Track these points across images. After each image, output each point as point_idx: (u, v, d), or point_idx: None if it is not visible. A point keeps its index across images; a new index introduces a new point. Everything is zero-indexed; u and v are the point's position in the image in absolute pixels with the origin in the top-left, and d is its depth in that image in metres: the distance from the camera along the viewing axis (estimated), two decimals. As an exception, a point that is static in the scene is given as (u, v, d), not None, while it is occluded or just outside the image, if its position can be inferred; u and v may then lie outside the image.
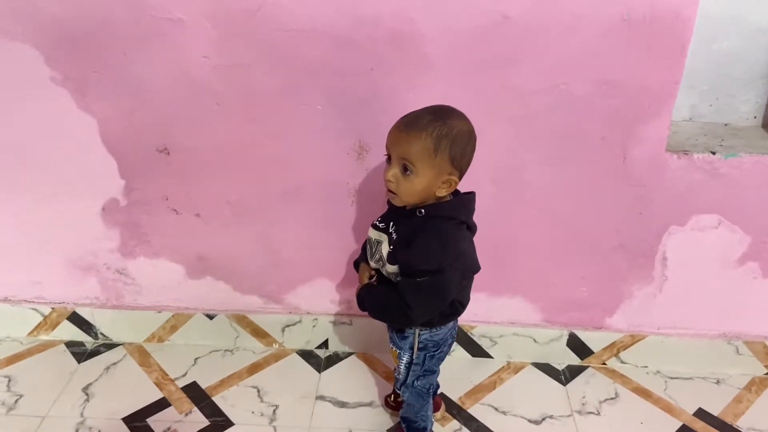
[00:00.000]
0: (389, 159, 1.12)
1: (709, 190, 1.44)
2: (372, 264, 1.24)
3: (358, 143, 1.44)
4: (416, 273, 1.11)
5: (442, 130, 1.06)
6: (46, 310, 1.72)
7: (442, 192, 1.12)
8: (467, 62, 1.33)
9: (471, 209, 1.19)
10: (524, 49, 1.31)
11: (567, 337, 1.65)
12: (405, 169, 1.09)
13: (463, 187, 1.18)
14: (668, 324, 1.63)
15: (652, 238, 1.51)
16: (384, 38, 1.31)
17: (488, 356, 1.70)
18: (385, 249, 1.17)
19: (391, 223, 1.18)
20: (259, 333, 1.72)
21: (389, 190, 1.12)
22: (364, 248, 1.29)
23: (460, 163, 1.11)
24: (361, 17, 1.29)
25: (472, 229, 1.19)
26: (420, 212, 1.13)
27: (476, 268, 1.21)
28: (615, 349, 1.66)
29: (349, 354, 1.72)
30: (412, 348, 1.26)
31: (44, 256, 1.64)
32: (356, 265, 1.34)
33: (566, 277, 1.58)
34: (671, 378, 1.65)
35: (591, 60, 1.31)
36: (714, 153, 1.40)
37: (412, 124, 1.08)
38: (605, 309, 1.62)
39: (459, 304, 1.23)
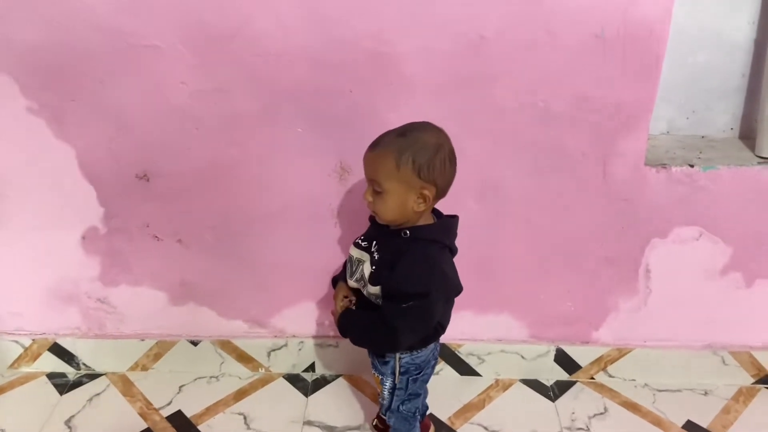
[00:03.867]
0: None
1: (688, 202, 1.45)
2: (351, 283, 1.23)
3: (340, 164, 1.44)
4: (402, 296, 1.10)
5: (401, 145, 1.07)
6: (27, 342, 1.69)
7: (421, 207, 1.11)
8: (446, 81, 1.34)
9: (454, 233, 1.19)
10: (502, 67, 1.32)
11: (554, 352, 1.65)
12: (375, 190, 1.10)
13: (444, 203, 1.19)
14: (654, 336, 1.63)
15: (635, 252, 1.52)
16: (362, 59, 1.32)
17: (476, 374, 1.69)
18: (367, 269, 1.17)
19: (374, 243, 1.17)
20: (244, 358, 1.70)
21: (371, 210, 1.14)
22: (345, 265, 1.28)
23: (430, 175, 1.08)
24: (339, 39, 1.30)
25: (453, 252, 1.19)
26: (405, 234, 1.12)
27: (459, 290, 1.21)
28: (602, 363, 1.66)
29: (337, 377, 1.70)
30: (394, 373, 1.25)
31: (24, 287, 1.62)
32: (334, 281, 1.33)
33: (552, 292, 1.58)
34: (659, 391, 1.65)
35: (568, 76, 1.32)
36: (692, 166, 1.41)
37: (376, 143, 1.10)
38: (591, 323, 1.62)
39: (440, 326, 1.23)
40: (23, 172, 1.47)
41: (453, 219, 1.19)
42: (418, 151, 1.07)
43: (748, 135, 1.53)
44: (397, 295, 1.11)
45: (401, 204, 1.10)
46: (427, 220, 1.16)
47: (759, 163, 1.43)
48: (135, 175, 1.46)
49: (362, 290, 1.20)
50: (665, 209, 1.46)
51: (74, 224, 1.53)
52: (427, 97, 1.35)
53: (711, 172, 1.41)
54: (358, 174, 1.44)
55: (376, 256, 1.15)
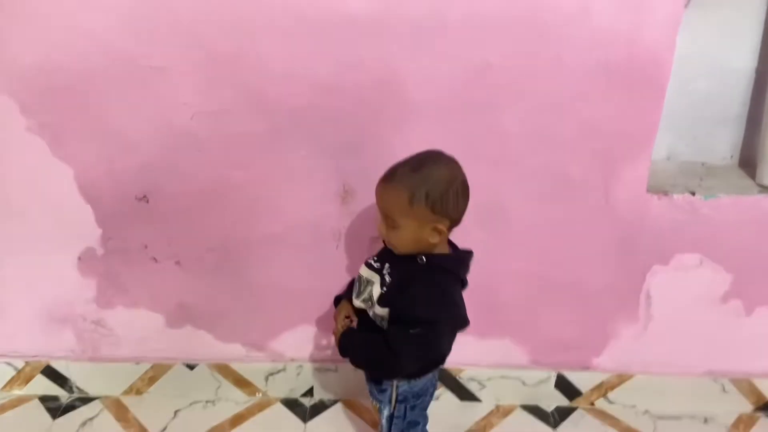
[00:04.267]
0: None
1: (690, 229, 1.45)
2: (357, 303, 1.21)
3: (343, 187, 1.43)
4: (410, 321, 1.09)
5: (415, 181, 1.06)
6: (20, 364, 1.65)
7: (435, 239, 1.11)
8: (452, 106, 1.34)
9: (467, 267, 1.19)
10: (507, 94, 1.33)
11: (555, 378, 1.64)
12: (389, 223, 1.09)
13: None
14: (654, 363, 1.63)
15: (636, 278, 1.52)
16: (368, 84, 1.32)
17: (477, 400, 1.67)
18: (376, 290, 1.15)
19: (387, 264, 1.16)
20: (241, 382, 1.67)
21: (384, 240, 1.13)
22: (350, 285, 1.26)
23: (444, 209, 1.08)
24: (345, 63, 1.30)
25: (464, 285, 1.19)
26: (421, 260, 1.12)
27: (466, 325, 1.19)
28: (603, 389, 1.65)
29: (335, 401, 1.68)
30: (391, 401, 1.23)
31: (17, 308, 1.59)
32: (337, 300, 1.31)
33: (553, 318, 1.58)
34: (660, 417, 1.64)
35: (572, 103, 1.33)
36: (693, 193, 1.42)
37: (388, 177, 1.09)
38: (592, 349, 1.62)
39: (440, 357, 1.22)
40: (20, 192, 1.45)
41: (468, 253, 1.19)
42: (431, 188, 1.06)
43: (747, 163, 1.54)
44: (406, 319, 1.09)
45: (415, 237, 1.10)
46: (443, 249, 1.16)
47: (760, 191, 1.44)
48: (135, 196, 1.44)
49: (368, 311, 1.18)
50: (667, 236, 1.46)
51: (71, 245, 1.51)
52: (431, 122, 1.35)
53: (712, 200, 1.42)
54: (362, 197, 1.44)
55: (387, 278, 1.14)
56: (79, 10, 1.26)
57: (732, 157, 1.56)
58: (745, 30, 1.42)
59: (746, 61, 1.45)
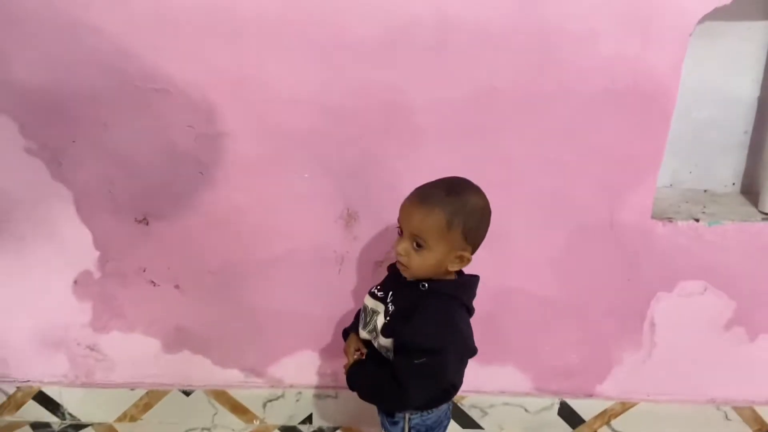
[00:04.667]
0: (401, 232, 1.09)
1: (694, 256, 1.45)
2: (363, 334, 1.18)
3: (347, 211, 1.42)
4: (414, 351, 1.05)
5: (454, 206, 1.04)
6: (11, 389, 1.61)
7: (454, 267, 1.09)
8: (457, 130, 1.34)
9: (473, 292, 1.16)
10: (512, 117, 1.33)
11: (558, 405, 1.62)
12: (417, 245, 1.06)
13: None
14: (658, 390, 1.61)
15: (640, 304, 1.51)
16: (373, 107, 1.31)
17: (479, 427, 1.65)
18: (380, 320, 1.12)
19: (390, 293, 1.14)
20: (238, 409, 1.64)
21: (400, 263, 1.09)
22: (357, 316, 1.24)
23: (474, 238, 1.08)
24: (351, 87, 1.30)
25: (471, 312, 1.16)
26: (423, 286, 1.09)
27: (474, 352, 1.16)
28: (606, 417, 1.63)
29: (335, 429, 1.64)
30: None
31: (10, 332, 1.55)
32: (345, 334, 1.28)
33: (556, 344, 1.56)
34: (663, 446, 1.62)
35: (578, 129, 1.33)
36: (698, 220, 1.42)
37: (425, 198, 1.06)
38: (596, 376, 1.60)
39: (452, 387, 1.18)
40: (17, 213, 1.42)
41: (474, 278, 1.16)
42: (469, 215, 1.05)
43: (749, 190, 1.54)
44: (410, 349, 1.06)
45: (439, 263, 1.07)
46: (449, 275, 1.13)
47: (763, 219, 1.44)
48: (134, 218, 1.42)
49: (373, 342, 1.16)
50: (671, 263, 1.46)
51: (67, 267, 1.48)
52: (436, 146, 1.35)
53: (716, 226, 1.42)
54: (365, 221, 1.42)
55: (390, 307, 1.12)
56: (81, 31, 1.26)
57: (734, 184, 1.57)
58: (748, 59, 1.44)
59: (749, 90, 1.46)
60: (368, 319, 1.17)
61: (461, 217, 1.04)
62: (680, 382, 1.61)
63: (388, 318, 1.11)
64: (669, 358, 1.57)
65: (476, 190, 1.09)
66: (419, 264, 1.07)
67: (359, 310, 1.23)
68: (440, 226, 1.04)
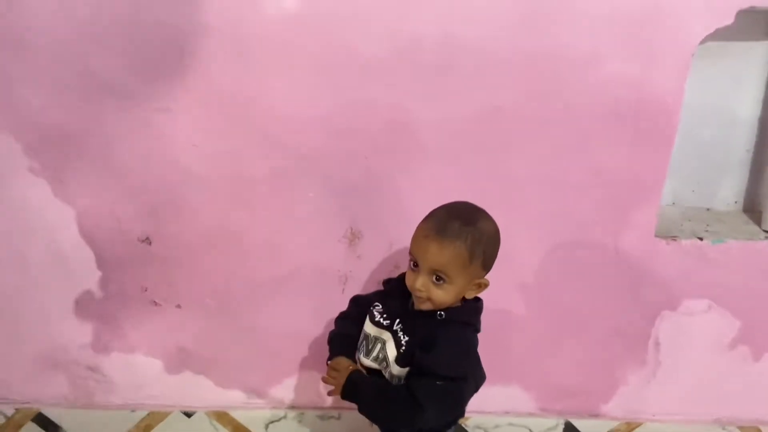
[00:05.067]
0: (415, 264, 1.06)
1: (698, 275, 1.45)
2: (368, 362, 1.14)
3: (350, 230, 1.42)
4: (437, 377, 1.04)
5: (475, 237, 1.03)
6: (10, 411, 1.59)
7: (472, 294, 1.09)
8: (461, 149, 1.34)
9: (480, 316, 1.15)
10: (516, 138, 1.33)
11: (563, 426, 1.61)
12: (438, 278, 1.04)
13: None
14: (663, 410, 1.60)
15: (645, 323, 1.50)
16: (378, 126, 1.32)
17: (483, 448, 1.64)
18: (391, 350, 1.10)
19: (397, 321, 1.11)
20: (240, 431, 1.62)
21: (418, 297, 1.07)
22: (344, 339, 1.20)
23: (491, 264, 1.09)
24: (355, 106, 1.30)
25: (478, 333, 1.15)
26: (440, 315, 1.07)
27: (485, 379, 1.16)
28: (611, 437, 1.62)
29: (337, 450, 1.63)
30: None
31: (9, 353, 1.53)
32: (331, 339, 1.22)
33: (561, 364, 1.55)
34: (669, 467, 1.61)
35: (582, 148, 1.34)
36: (701, 239, 1.42)
37: (443, 231, 1.02)
38: (601, 396, 1.59)
39: (461, 413, 1.18)
40: (19, 233, 1.41)
41: (480, 302, 1.15)
42: (487, 244, 1.05)
43: (752, 208, 1.55)
44: (432, 375, 1.04)
45: (459, 294, 1.06)
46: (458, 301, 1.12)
47: (766, 237, 1.44)
48: (137, 238, 1.42)
49: (383, 371, 1.12)
50: (675, 281, 1.46)
51: (68, 288, 1.47)
52: (441, 165, 1.35)
53: (720, 245, 1.42)
54: (369, 240, 1.42)
55: (403, 337, 1.09)
56: (86, 51, 1.26)
57: (736, 203, 1.57)
58: (749, 79, 1.45)
59: (751, 109, 1.47)
60: (371, 347, 1.14)
61: (481, 247, 1.04)
62: (686, 402, 1.60)
63: (402, 349, 1.09)
64: (674, 378, 1.56)
65: (487, 215, 1.09)
66: (442, 297, 1.05)
67: (338, 333, 1.20)
68: (463, 259, 1.02)
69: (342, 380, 1.12)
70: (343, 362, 1.15)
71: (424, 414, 1.04)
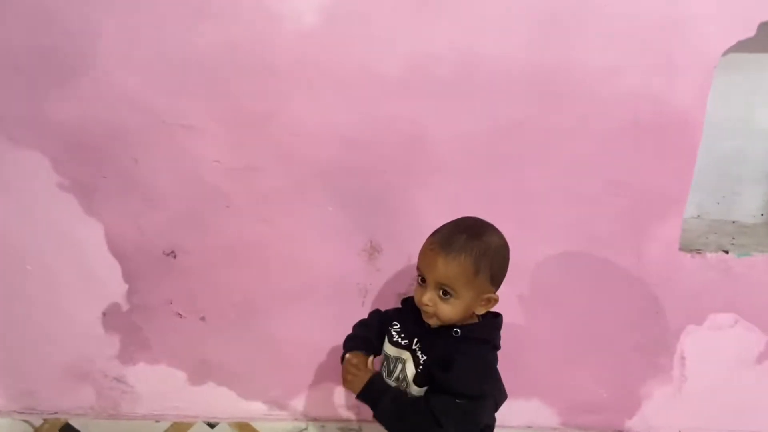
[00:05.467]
0: (422, 280, 1.06)
1: (724, 289, 1.43)
2: (389, 382, 1.13)
3: (370, 243, 1.43)
4: (456, 395, 1.03)
5: (480, 250, 1.02)
6: (38, 422, 1.62)
7: (481, 310, 1.07)
8: (478, 163, 1.34)
9: (500, 332, 1.13)
10: (535, 151, 1.33)
11: (586, 441, 1.59)
12: (444, 293, 1.04)
13: None
14: (688, 425, 1.58)
15: (669, 338, 1.48)
16: (396, 141, 1.32)
17: (504, 463, 1.62)
18: (410, 370, 1.09)
19: (415, 340, 1.11)
20: (262, 442, 1.64)
21: (426, 312, 1.06)
22: (359, 331, 1.20)
23: (499, 280, 1.07)
24: (374, 121, 1.31)
25: (498, 349, 1.14)
26: (456, 332, 1.07)
27: (506, 397, 1.15)
28: (636, 453, 1.60)
29: (358, 463, 1.63)
30: None
31: (38, 364, 1.57)
32: (347, 339, 1.21)
33: (583, 378, 1.54)
34: (696, 484, 1.58)
35: (601, 162, 1.33)
36: (727, 252, 1.40)
37: (448, 245, 1.02)
38: (624, 411, 1.57)
39: (487, 428, 1.15)
40: (47, 247, 1.45)
41: (499, 318, 1.13)
42: (494, 258, 1.04)
43: (778, 221, 1.52)
44: (451, 393, 1.03)
45: (467, 309, 1.05)
46: (473, 318, 1.11)
47: (793, 250, 1.41)
48: (162, 251, 1.44)
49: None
50: (700, 295, 1.44)
51: (96, 300, 1.50)
52: (458, 179, 1.35)
53: (746, 258, 1.40)
54: (388, 253, 1.43)
55: (421, 356, 1.09)
56: (111, 68, 1.29)
57: (762, 215, 1.54)
58: (772, 90, 1.43)
59: (774, 121, 1.45)
60: (392, 368, 1.13)
61: (487, 260, 1.03)
62: (712, 417, 1.57)
63: (420, 368, 1.09)
64: (699, 392, 1.54)
65: (494, 230, 1.08)
66: (449, 313, 1.04)
67: (350, 335, 1.20)
68: (468, 273, 1.02)
69: (363, 379, 1.10)
70: (362, 358, 1.14)
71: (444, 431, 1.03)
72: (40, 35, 1.27)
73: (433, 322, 1.07)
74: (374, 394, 1.08)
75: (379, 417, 1.09)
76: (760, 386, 1.52)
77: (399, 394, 1.10)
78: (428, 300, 1.04)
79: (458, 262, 1.01)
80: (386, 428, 1.13)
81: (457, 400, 1.02)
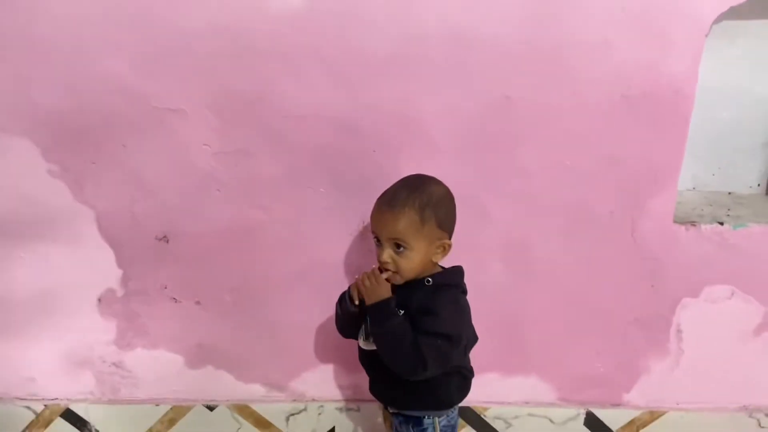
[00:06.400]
0: (378, 241, 1.12)
1: (719, 261, 1.42)
2: (367, 344, 1.17)
3: (363, 223, 1.42)
4: (437, 335, 1.09)
5: (422, 200, 1.08)
6: (39, 408, 1.63)
7: (438, 257, 1.14)
8: (472, 141, 1.33)
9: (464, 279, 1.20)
10: (527, 128, 1.32)
11: (584, 415, 1.59)
12: (398, 247, 1.09)
13: (469, 264, 1.19)
14: (687, 399, 1.58)
15: (666, 311, 1.48)
16: (388, 121, 1.31)
17: (503, 439, 1.63)
18: None
19: None
20: (262, 423, 1.64)
21: (387, 270, 1.11)
22: (342, 320, 1.22)
23: (448, 225, 1.14)
24: (365, 102, 1.30)
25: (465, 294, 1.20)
26: (428, 281, 1.13)
27: (476, 340, 1.22)
28: (634, 427, 1.60)
29: (358, 442, 1.64)
30: None
31: (37, 351, 1.58)
32: (341, 300, 1.22)
33: (581, 354, 1.54)
34: (694, 456, 1.58)
35: (594, 136, 1.32)
36: (722, 224, 1.39)
37: (392, 202, 1.10)
38: (622, 385, 1.57)
39: (468, 372, 1.24)
40: (41, 234, 1.45)
41: (458, 267, 1.19)
42: (437, 205, 1.10)
43: (775, 191, 1.51)
44: (434, 335, 1.09)
45: (424, 259, 1.11)
46: (436, 267, 1.18)
47: (790, 220, 1.40)
48: (155, 236, 1.44)
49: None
50: (696, 268, 1.43)
51: (91, 287, 1.51)
52: (451, 158, 1.34)
53: (742, 230, 1.39)
54: (382, 234, 1.42)
55: (398, 312, 1.11)
56: (98, 53, 1.28)
57: (759, 185, 1.53)
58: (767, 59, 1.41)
59: (770, 89, 1.43)
60: (369, 330, 1.16)
61: (431, 209, 1.09)
62: (710, 390, 1.57)
63: None
64: (698, 365, 1.53)
65: (435, 181, 1.15)
66: (407, 265, 1.10)
67: (342, 300, 1.21)
68: (414, 224, 1.08)
69: (382, 294, 1.10)
70: (382, 278, 1.12)
71: (426, 371, 1.09)
72: (28, 22, 1.25)
73: (396, 280, 1.13)
74: (386, 311, 1.10)
75: (378, 334, 1.12)
76: (757, 358, 1.52)
77: (405, 325, 1.11)
78: (387, 257, 1.10)
79: (403, 214, 1.08)
80: (378, 347, 1.14)
81: (438, 341, 1.09)
